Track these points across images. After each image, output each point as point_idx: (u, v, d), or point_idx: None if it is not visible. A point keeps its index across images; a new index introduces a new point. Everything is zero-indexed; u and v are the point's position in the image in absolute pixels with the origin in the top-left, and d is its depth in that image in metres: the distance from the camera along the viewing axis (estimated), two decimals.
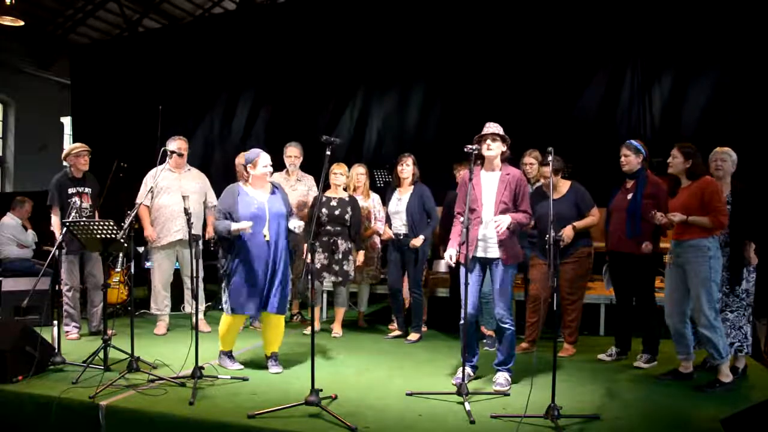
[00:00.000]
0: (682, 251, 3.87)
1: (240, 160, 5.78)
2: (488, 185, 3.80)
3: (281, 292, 4.07)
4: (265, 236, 4.01)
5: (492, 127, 3.82)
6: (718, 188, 3.80)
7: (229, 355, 4.28)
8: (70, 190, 5.23)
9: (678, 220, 3.77)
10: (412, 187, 5.19)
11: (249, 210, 4.01)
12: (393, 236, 5.25)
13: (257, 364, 4.33)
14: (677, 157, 3.91)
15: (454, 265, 3.96)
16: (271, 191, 4.18)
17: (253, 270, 3.99)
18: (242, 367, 4.23)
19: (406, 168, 5.17)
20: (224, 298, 4.10)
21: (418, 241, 5.06)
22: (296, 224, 4.13)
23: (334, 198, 5.31)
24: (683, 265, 3.87)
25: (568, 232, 4.42)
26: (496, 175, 3.82)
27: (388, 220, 5.35)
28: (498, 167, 3.84)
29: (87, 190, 5.33)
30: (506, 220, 3.64)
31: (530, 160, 5.09)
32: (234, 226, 3.91)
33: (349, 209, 5.27)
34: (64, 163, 5.40)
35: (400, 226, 5.19)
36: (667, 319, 4.01)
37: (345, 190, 5.43)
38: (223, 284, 4.10)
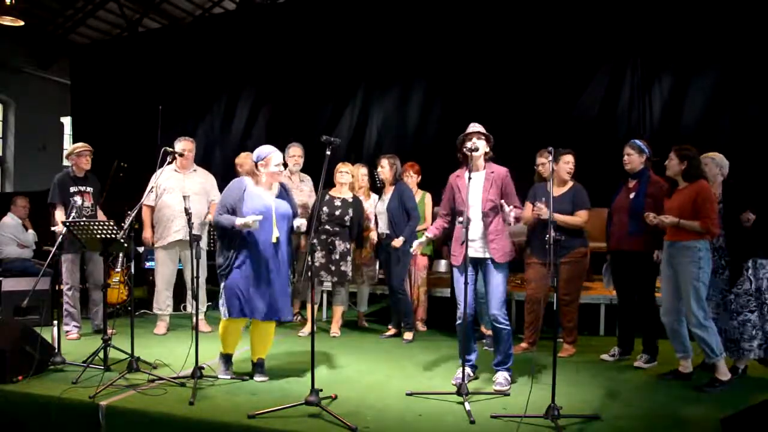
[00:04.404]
0: (674, 252, 3.91)
1: (239, 159, 5.78)
2: (473, 185, 3.79)
3: (285, 297, 3.92)
4: (273, 238, 3.82)
5: (477, 126, 3.84)
6: (711, 193, 3.83)
7: (227, 359, 4.02)
8: (72, 189, 5.25)
9: (669, 222, 3.82)
10: (393, 187, 5.23)
11: (255, 208, 3.80)
12: (374, 238, 5.36)
13: None
14: (673, 159, 3.95)
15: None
16: (278, 193, 3.99)
17: (255, 272, 3.80)
18: (233, 376, 3.98)
19: (382, 170, 5.25)
20: (221, 300, 3.88)
21: (397, 243, 5.06)
22: (299, 222, 3.96)
23: (338, 198, 5.30)
24: (675, 266, 3.91)
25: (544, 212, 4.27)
26: (481, 175, 3.84)
27: (375, 221, 5.40)
28: (482, 167, 3.86)
29: (89, 189, 5.34)
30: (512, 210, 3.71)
31: (543, 160, 5.01)
32: (239, 221, 3.70)
33: (350, 211, 5.26)
34: (66, 162, 5.42)
35: (384, 226, 5.25)
36: (663, 318, 4.05)
37: (350, 189, 5.44)
38: (221, 285, 3.87)
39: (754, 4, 6.15)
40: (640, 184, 4.32)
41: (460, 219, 3.68)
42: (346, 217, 5.25)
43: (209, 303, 6.13)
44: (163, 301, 5.45)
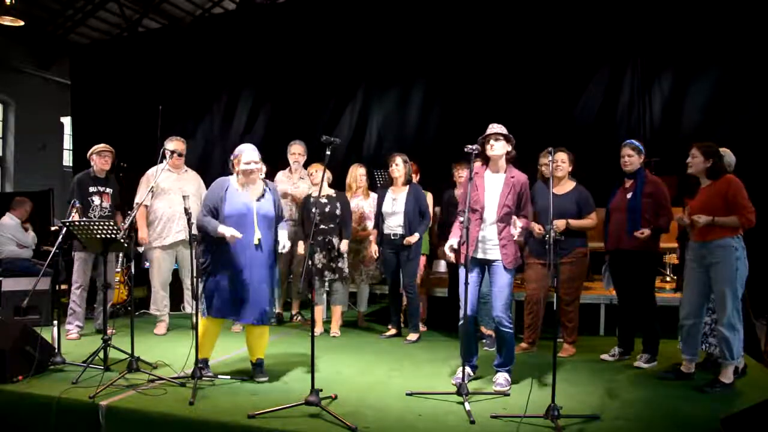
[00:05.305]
0: (708, 252, 3.77)
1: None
2: (492, 186, 3.77)
3: (267, 300, 3.85)
4: (255, 240, 3.80)
5: (495, 128, 3.81)
6: (742, 186, 3.73)
7: (204, 364, 3.95)
8: (91, 189, 5.26)
9: (704, 222, 3.67)
10: (407, 187, 5.17)
11: (236, 208, 3.80)
12: (374, 238, 5.30)
13: None
14: (697, 157, 3.83)
15: (452, 255, 3.86)
16: (261, 193, 3.92)
17: (234, 273, 3.78)
18: (215, 376, 3.97)
19: (396, 168, 5.15)
20: (201, 299, 3.87)
21: (413, 238, 5.05)
22: (283, 242, 3.94)
23: (323, 196, 5.26)
24: (708, 266, 3.78)
25: (560, 224, 4.38)
26: (501, 177, 3.79)
27: (381, 220, 5.27)
28: (503, 169, 3.81)
29: (108, 190, 5.37)
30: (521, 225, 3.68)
31: (545, 161, 4.98)
32: (221, 229, 3.71)
33: (338, 204, 5.27)
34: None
35: (395, 226, 5.15)
36: (684, 321, 3.95)
37: (330, 187, 5.43)
38: (201, 284, 3.87)
39: (754, 4, 6.16)
40: (637, 184, 4.32)
41: (461, 219, 3.67)
42: (337, 212, 5.25)
43: None
44: (160, 301, 5.45)
